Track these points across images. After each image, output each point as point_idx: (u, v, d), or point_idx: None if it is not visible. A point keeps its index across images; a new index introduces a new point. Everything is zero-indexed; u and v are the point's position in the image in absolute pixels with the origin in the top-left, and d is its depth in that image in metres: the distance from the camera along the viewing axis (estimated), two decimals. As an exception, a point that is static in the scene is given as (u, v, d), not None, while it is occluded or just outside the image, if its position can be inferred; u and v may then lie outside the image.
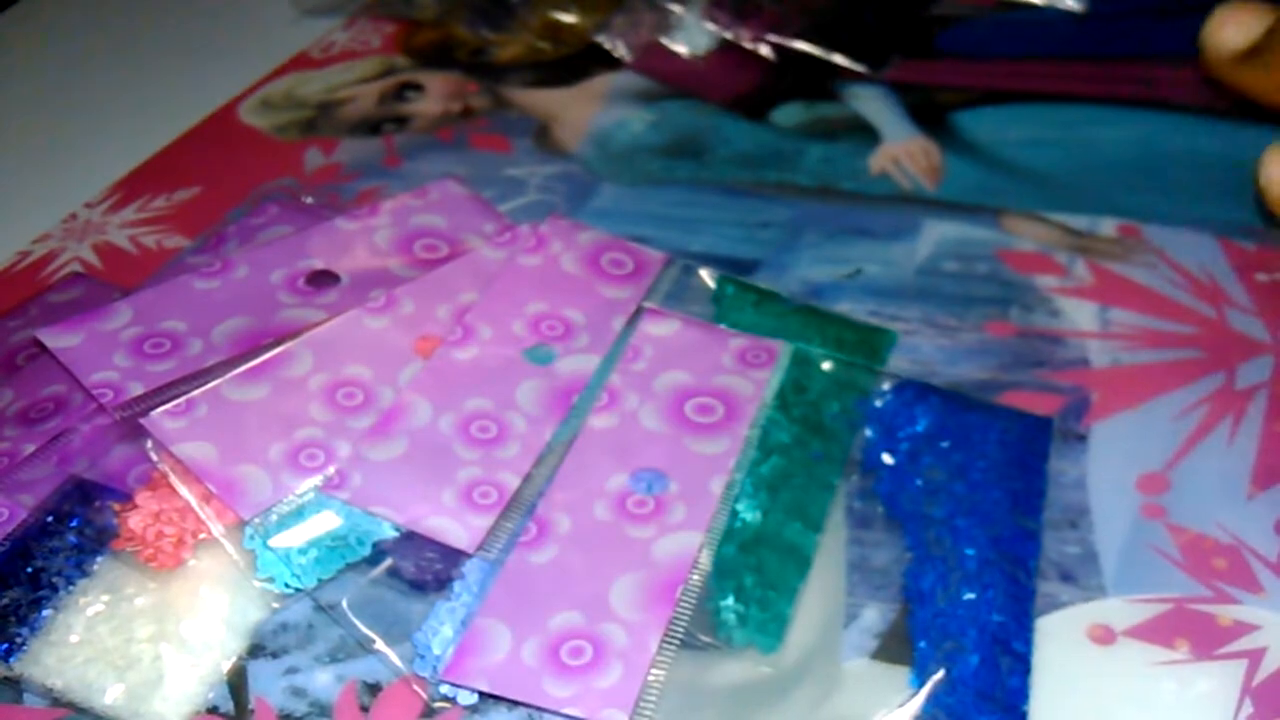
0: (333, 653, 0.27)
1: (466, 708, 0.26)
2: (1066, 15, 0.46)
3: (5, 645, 0.27)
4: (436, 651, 0.26)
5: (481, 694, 0.25)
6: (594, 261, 0.34)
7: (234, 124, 0.45)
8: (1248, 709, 0.25)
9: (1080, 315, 0.34)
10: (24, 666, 0.26)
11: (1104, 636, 0.26)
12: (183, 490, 0.28)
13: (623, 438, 0.29)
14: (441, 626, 0.26)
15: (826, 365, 0.32)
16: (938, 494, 0.29)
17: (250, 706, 0.26)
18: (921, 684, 0.25)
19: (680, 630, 0.26)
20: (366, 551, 0.28)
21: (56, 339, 0.31)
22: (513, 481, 0.28)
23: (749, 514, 0.28)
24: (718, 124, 0.43)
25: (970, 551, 0.27)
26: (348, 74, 0.47)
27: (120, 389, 0.29)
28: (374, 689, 0.26)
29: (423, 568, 0.28)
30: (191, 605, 0.27)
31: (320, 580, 0.27)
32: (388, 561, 0.28)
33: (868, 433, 0.30)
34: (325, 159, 0.42)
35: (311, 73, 0.47)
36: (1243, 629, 0.26)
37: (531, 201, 0.40)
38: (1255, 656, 0.26)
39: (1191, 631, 0.26)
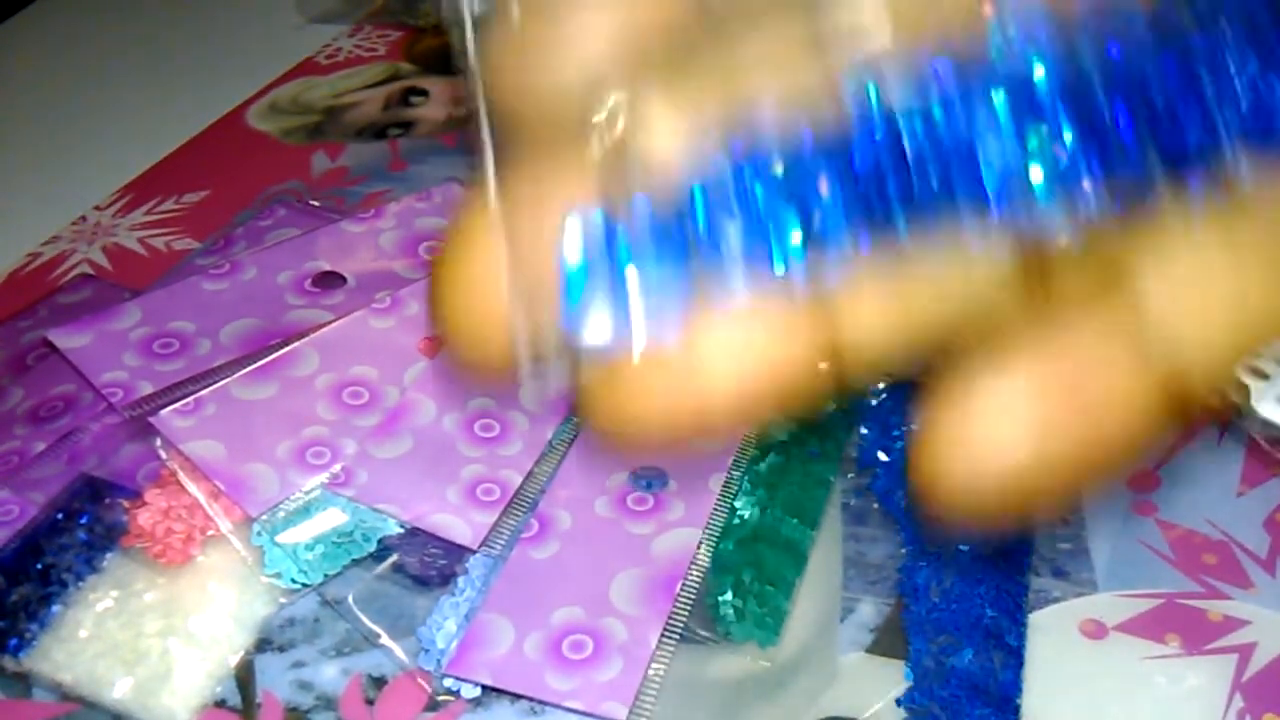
0: (339, 647, 0.27)
1: (470, 701, 0.26)
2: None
3: (15, 640, 0.27)
4: (440, 646, 0.26)
5: (485, 687, 0.26)
6: (595, 264, 0.35)
7: (242, 128, 0.45)
8: (1238, 703, 0.25)
9: (1074, 317, 0.34)
10: (34, 661, 0.26)
11: (1095, 631, 0.26)
12: (191, 487, 0.28)
13: (623, 436, 0.30)
14: (445, 621, 0.26)
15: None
16: (932, 491, 0.29)
17: (257, 700, 0.26)
18: (916, 677, 0.25)
19: (679, 625, 0.26)
20: (372, 547, 0.28)
21: (66, 339, 0.31)
22: (515, 479, 0.28)
23: (747, 511, 0.28)
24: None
25: (964, 548, 0.27)
26: (353, 80, 0.47)
27: (129, 388, 0.30)
28: (379, 682, 0.27)
29: (427, 563, 0.28)
30: (200, 600, 0.27)
31: (326, 576, 0.28)
32: (393, 557, 0.28)
33: (863, 431, 0.30)
34: (331, 163, 0.43)
35: (318, 78, 0.48)
36: (1232, 624, 0.26)
37: (534, 205, 0.40)
38: (1245, 651, 0.26)
39: (1182, 626, 0.26)
